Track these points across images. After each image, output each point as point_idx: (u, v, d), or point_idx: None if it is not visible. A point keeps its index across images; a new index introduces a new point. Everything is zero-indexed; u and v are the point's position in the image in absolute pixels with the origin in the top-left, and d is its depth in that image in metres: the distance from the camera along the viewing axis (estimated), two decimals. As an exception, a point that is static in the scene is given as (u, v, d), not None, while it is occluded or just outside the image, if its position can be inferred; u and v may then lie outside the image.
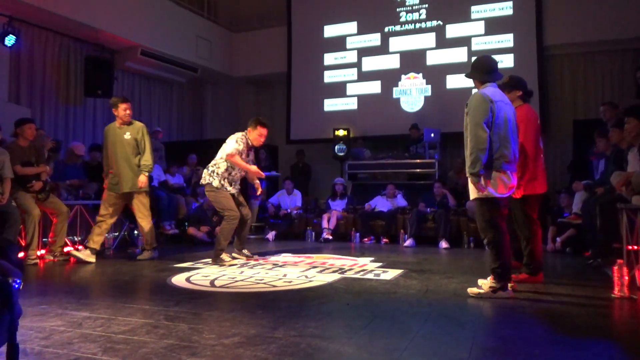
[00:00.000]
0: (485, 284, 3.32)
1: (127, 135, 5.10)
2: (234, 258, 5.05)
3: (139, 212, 5.10)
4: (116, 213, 5.24)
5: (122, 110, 5.12)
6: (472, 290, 3.35)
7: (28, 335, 2.30)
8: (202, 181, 5.00)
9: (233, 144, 4.89)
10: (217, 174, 4.88)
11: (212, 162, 4.98)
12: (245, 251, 5.21)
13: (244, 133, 5.00)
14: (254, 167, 4.99)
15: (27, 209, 4.88)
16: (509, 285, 3.37)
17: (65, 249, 5.30)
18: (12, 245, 0.88)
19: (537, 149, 3.96)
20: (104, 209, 5.11)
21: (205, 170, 4.99)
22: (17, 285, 0.74)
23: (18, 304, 0.74)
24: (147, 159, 5.08)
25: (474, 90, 3.62)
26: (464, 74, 3.74)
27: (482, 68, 3.51)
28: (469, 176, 3.35)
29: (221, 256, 4.84)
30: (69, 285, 3.95)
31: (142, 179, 5.03)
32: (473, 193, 3.40)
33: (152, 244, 5.17)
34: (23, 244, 4.93)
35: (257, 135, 4.98)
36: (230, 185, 4.95)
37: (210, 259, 4.89)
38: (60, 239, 5.16)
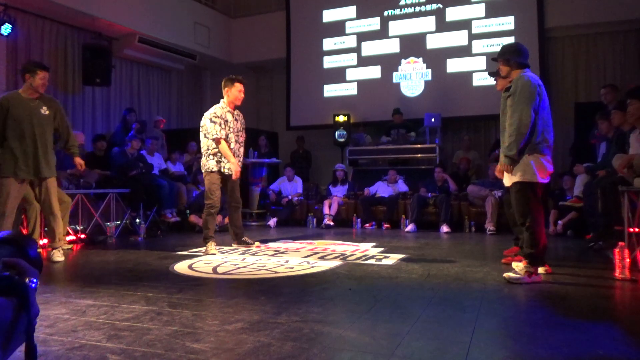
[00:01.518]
0: (521, 268, 3.27)
1: (45, 111, 4.34)
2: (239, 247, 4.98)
3: (55, 200, 4.46)
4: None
5: (40, 79, 4.26)
6: (508, 275, 3.29)
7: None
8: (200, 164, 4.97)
9: (210, 124, 4.70)
10: (207, 155, 4.79)
11: (201, 143, 4.91)
12: (245, 239, 5.07)
13: (222, 101, 4.83)
14: (234, 160, 4.75)
15: (29, 198, 4.88)
16: (544, 269, 3.39)
17: (67, 238, 5.31)
18: (32, 241, 0.88)
19: None
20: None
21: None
22: (33, 285, 0.74)
23: (35, 303, 0.74)
24: (74, 138, 4.63)
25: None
26: (492, 58, 3.68)
27: (518, 52, 3.48)
28: (505, 158, 3.31)
29: (207, 245, 4.70)
30: (72, 274, 3.97)
31: (80, 161, 4.63)
32: (515, 177, 3.33)
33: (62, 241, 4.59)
34: (25, 233, 4.95)
35: (237, 92, 4.79)
36: (219, 162, 4.75)
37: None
38: (63, 227, 5.16)
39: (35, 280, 0.75)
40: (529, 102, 3.23)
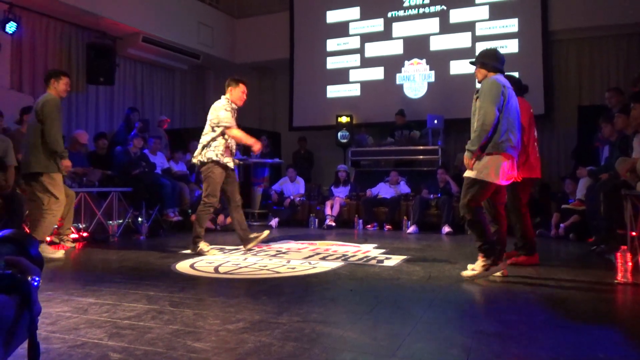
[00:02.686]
0: (477, 264, 3.38)
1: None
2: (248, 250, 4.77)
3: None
4: None
5: (65, 84, 4.61)
6: (466, 273, 3.40)
7: (35, 321, 2.32)
8: (195, 159, 4.69)
9: (224, 113, 4.62)
10: (212, 146, 4.60)
11: (203, 137, 4.70)
12: (253, 235, 4.84)
13: (225, 97, 4.76)
14: (252, 140, 4.73)
15: (31, 195, 4.89)
16: (501, 272, 3.41)
17: (71, 237, 5.32)
18: (33, 239, 0.89)
19: (532, 138, 4.09)
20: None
21: (199, 145, 4.71)
22: (36, 283, 0.75)
23: (37, 302, 0.74)
24: None
25: (477, 79, 3.64)
26: (470, 61, 3.76)
27: (495, 58, 3.58)
28: (467, 152, 3.43)
29: (199, 244, 4.60)
30: (74, 272, 3.98)
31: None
32: (468, 171, 3.46)
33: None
34: (28, 232, 4.97)
35: (240, 93, 4.75)
36: (226, 157, 4.66)
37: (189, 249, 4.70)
38: (67, 222, 5.15)
39: (37, 279, 0.75)
40: (493, 101, 3.33)
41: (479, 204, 3.43)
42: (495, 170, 3.33)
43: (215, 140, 4.63)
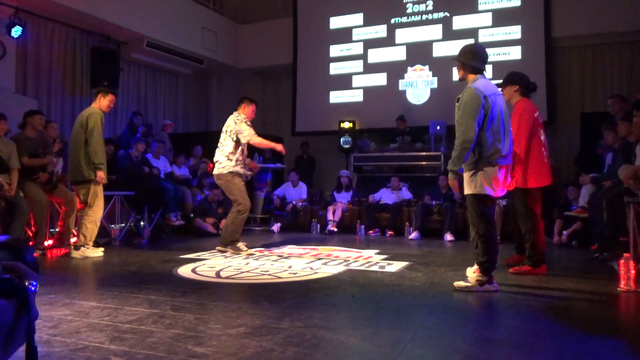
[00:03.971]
0: (472, 277, 3.27)
1: None
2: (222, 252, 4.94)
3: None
4: None
5: (109, 101, 5.04)
6: (458, 284, 3.30)
7: (36, 325, 2.32)
8: (218, 170, 4.95)
9: (246, 127, 4.95)
10: (232, 159, 4.92)
11: (223, 148, 4.97)
12: (239, 245, 4.98)
13: (240, 113, 5.08)
14: (274, 144, 5.21)
15: (35, 199, 4.91)
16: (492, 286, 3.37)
17: (72, 240, 5.33)
18: (28, 245, 0.90)
19: (537, 143, 3.95)
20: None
21: (219, 158, 4.98)
22: (33, 288, 0.75)
23: (35, 306, 0.75)
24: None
25: (459, 77, 3.49)
26: (452, 57, 3.54)
27: (475, 55, 3.33)
28: (450, 173, 3.29)
29: (238, 245, 4.93)
30: (76, 275, 3.99)
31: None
32: (466, 188, 3.32)
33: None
34: (31, 235, 4.98)
35: (250, 111, 5.13)
36: (243, 168, 5.00)
37: (217, 249, 4.96)
38: (70, 226, 5.17)
39: (34, 283, 0.76)
40: (473, 115, 3.15)
41: (490, 220, 3.31)
42: (488, 181, 3.22)
43: (234, 153, 4.93)
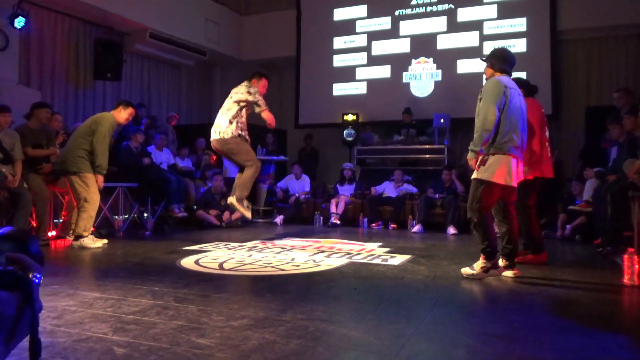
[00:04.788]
0: (477, 264, 3.39)
1: None
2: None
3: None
4: None
5: (128, 114, 5.14)
6: (465, 271, 3.42)
7: (40, 315, 2.33)
8: (221, 134, 4.99)
9: (258, 95, 5.02)
10: (238, 122, 5.00)
11: (227, 112, 5.03)
12: (246, 203, 5.22)
13: (250, 84, 5.13)
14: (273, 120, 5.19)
15: (38, 189, 4.92)
16: (513, 272, 3.41)
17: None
18: (32, 237, 0.89)
19: (541, 139, 4.06)
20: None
21: (221, 122, 5.03)
22: (37, 280, 0.75)
23: (39, 299, 0.75)
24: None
25: (485, 77, 3.64)
26: (481, 57, 3.79)
27: (504, 58, 3.57)
28: (470, 153, 3.43)
29: (245, 202, 5.07)
30: (80, 266, 4.00)
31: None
32: (474, 173, 3.45)
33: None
34: (34, 225, 5.00)
35: (262, 86, 5.17)
36: (244, 132, 5.09)
37: (229, 202, 5.13)
38: (73, 217, 5.18)
39: (39, 276, 0.76)
40: (494, 100, 3.32)
41: (487, 207, 3.40)
42: (502, 171, 3.32)
43: (237, 117, 5.02)
